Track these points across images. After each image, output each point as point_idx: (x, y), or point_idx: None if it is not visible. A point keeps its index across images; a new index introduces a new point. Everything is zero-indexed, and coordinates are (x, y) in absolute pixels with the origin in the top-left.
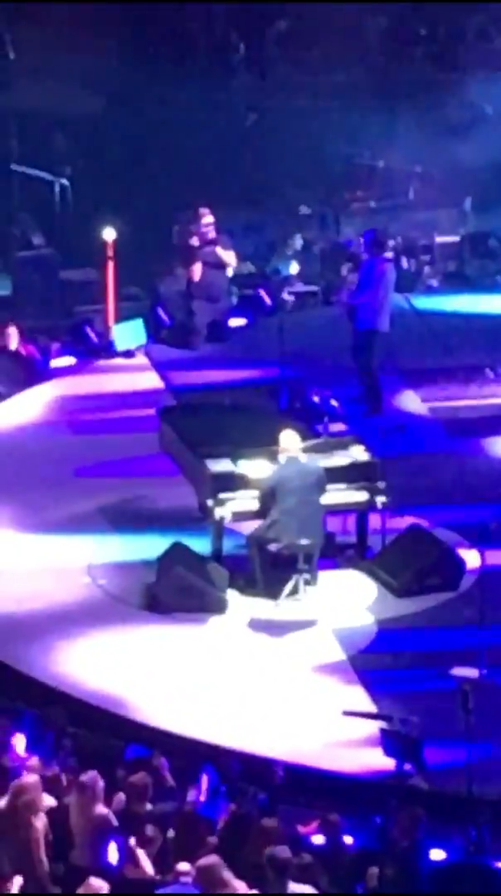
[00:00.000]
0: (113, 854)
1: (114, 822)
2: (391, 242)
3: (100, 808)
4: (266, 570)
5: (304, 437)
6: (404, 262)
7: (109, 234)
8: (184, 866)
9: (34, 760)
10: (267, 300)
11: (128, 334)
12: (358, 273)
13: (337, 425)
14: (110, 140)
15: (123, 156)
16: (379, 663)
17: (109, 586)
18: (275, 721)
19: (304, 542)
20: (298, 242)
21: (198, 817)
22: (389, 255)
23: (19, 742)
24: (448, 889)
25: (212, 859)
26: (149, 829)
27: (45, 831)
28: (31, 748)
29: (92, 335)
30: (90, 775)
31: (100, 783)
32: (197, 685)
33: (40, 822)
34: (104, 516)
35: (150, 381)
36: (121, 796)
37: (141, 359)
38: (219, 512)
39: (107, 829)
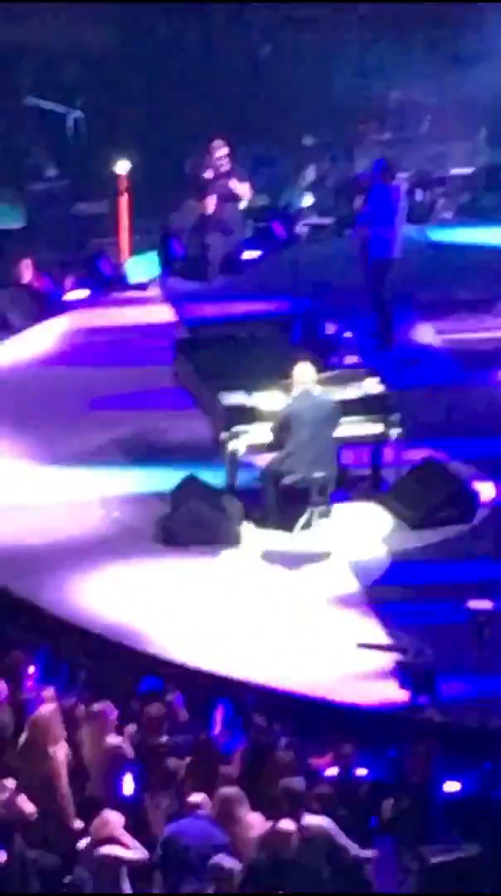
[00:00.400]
0: (128, 785)
1: (129, 753)
2: (404, 175)
3: (113, 739)
4: (280, 502)
5: (318, 370)
6: (418, 195)
7: (123, 166)
8: (197, 797)
9: (49, 691)
10: (281, 233)
11: (142, 267)
12: (367, 202)
13: (351, 358)
14: (123, 72)
15: (136, 88)
16: (393, 595)
17: (123, 519)
18: (290, 654)
19: (318, 474)
20: (311, 175)
21: (213, 748)
22: (399, 183)
23: (33, 674)
24: (462, 822)
25: (232, 791)
26: (171, 762)
27: (66, 762)
28: (45, 680)
29: (105, 268)
30: (103, 705)
31: (114, 713)
32: (211, 618)
33: (61, 751)
34: (118, 449)
35: (164, 313)
36: (131, 727)
37: (154, 291)
38: (233, 445)
39: (121, 760)
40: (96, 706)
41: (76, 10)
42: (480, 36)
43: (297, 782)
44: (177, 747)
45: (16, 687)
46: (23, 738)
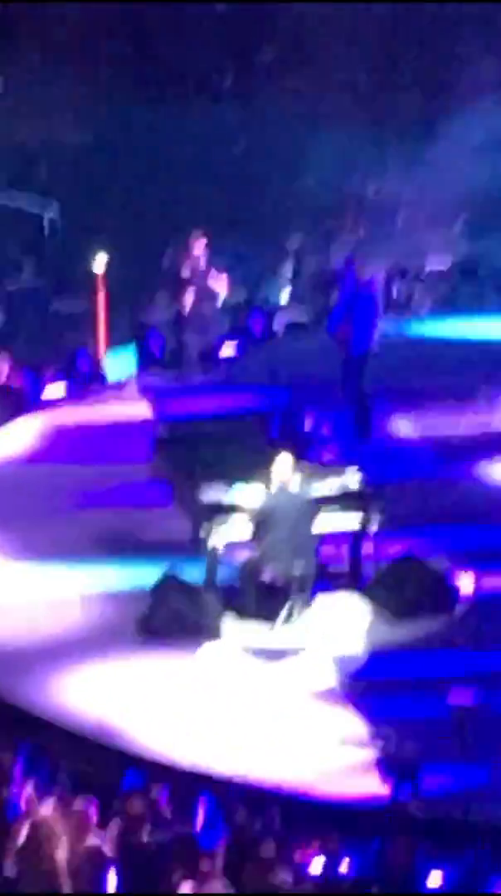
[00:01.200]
0: (110, 885)
1: (110, 852)
2: (380, 268)
3: (94, 838)
4: (259, 598)
5: (297, 465)
6: (394, 289)
7: (100, 264)
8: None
9: (29, 790)
10: (258, 329)
11: (120, 364)
12: (341, 297)
13: (329, 452)
14: (100, 170)
15: (113, 186)
16: (374, 689)
17: (103, 616)
18: (273, 748)
19: (297, 570)
20: (288, 271)
21: (195, 844)
22: (374, 279)
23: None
24: None
25: (217, 885)
26: (205, 864)
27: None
28: (28, 780)
29: (83, 366)
30: (83, 804)
31: (94, 811)
32: (192, 714)
33: (62, 852)
34: (97, 546)
35: (142, 410)
36: (115, 825)
37: (132, 388)
38: (212, 541)
39: (102, 860)
40: (77, 804)
41: (50, 108)
42: (454, 132)
43: (283, 879)
44: (160, 844)
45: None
46: (21, 840)
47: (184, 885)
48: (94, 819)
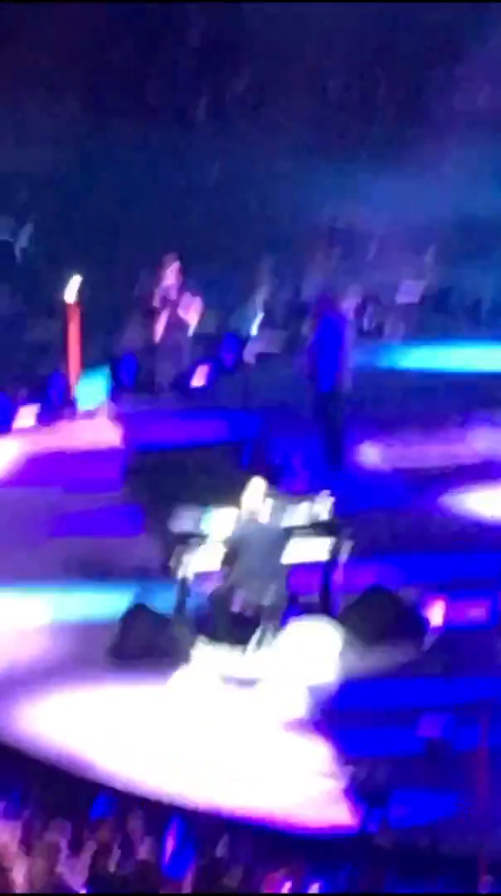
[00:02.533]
0: None
1: (77, 883)
2: (352, 300)
3: (64, 868)
4: (230, 626)
5: (267, 495)
6: (365, 319)
7: (71, 293)
8: None
9: None
10: (230, 357)
11: (92, 392)
12: (314, 334)
13: (300, 482)
14: (72, 197)
15: (86, 214)
16: (344, 718)
17: (73, 644)
18: (241, 777)
19: (268, 598)
20: (260, 300)
21: (159, 873)
22: (346, 313)
23: None
24: None
25: None
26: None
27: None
28: None
29: (55, 392)
30: (52, 836)
31: (64, 843)
32: (161, 742)
33: (20, 877)
34: (67, 573)
35: (113, 438)
36: (84, 854)
37: (103, 416)
38: (182, 569)
39: (72, 889)
40: (46, 837)
41: (27, 137)
42: (426, 161)
43: None
44: (129, 873)
45: None
46: None
47: None
48: (63, 848)
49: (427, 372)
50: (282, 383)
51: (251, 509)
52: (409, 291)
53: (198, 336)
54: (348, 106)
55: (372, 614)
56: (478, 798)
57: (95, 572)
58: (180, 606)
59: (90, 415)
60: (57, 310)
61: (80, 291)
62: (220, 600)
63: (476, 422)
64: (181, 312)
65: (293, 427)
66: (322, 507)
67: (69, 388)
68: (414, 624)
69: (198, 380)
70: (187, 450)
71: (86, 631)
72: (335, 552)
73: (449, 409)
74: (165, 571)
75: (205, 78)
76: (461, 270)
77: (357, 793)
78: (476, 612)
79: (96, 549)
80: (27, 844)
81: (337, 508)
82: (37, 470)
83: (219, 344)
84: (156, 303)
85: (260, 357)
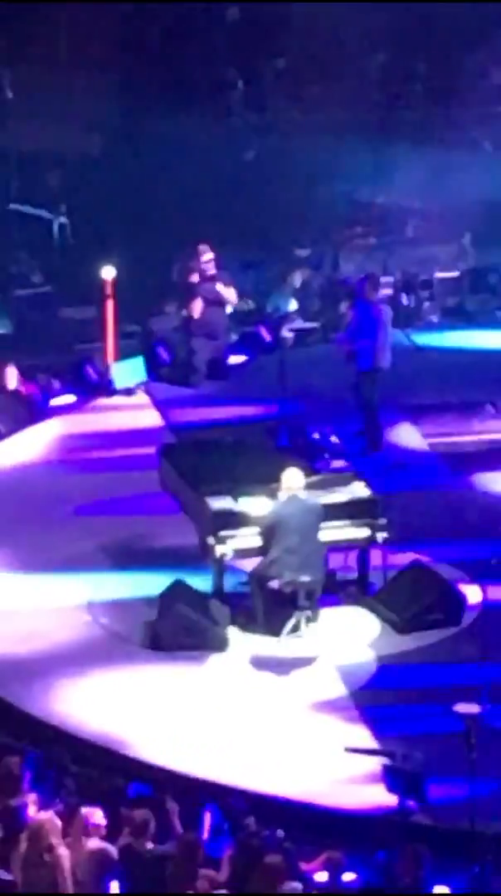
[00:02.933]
0: (114, 891)
1: (114, 858)
2: (390, 278)
3: (100, 844)
4: (267, 607)
5: (305, 474)
6: (403, 298)
7: (108, 272)
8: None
9: (32, 797)
10: (267, 337)
11: (128, 372)
12: (353, 314)
13: (338, 462)
14: (108, 178)
15: (122, 194)
16: (381, 699)
17: (110, 625)
18: (278, 758)
19: (305, 578)
20: (298, 280)
21: (201, 852)
22: (384, 293)
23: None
24: None
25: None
26: (211, 874)
27: (69, 867)
28: (33, 787)
29: (91, 373)
30: (89, 810)
31: (100, 818)
32: (199, 723)
33: (63, 858)
34: (105, 554)
35: (150, 418)
36: (122, 834)
37: (141, 397)
38: (219, 549)
39: (109, 866)
40: (83, 810)
41: (60, 115)
42: (464, 140)
43: (289, 889)
44: (166, 853)
45: (9, 794)
46: (22, 847)
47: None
48: (103, 825)
49: (466, 352)
50: (320, 362)
51: (289, 489)
52: (448, 272)
53: (235, 314)
54: (386, 85)
55: (410, 594)
56: None
57: (134, 553)
58: (217, 587)
59: (127, 394)
60: (94, 289)
61: (117, 271)
62: (258, 580)
63: None
64: (219, 291)
65: (331, 406)
66: (359, 486)
67: (106, 368)
68: (453, 604)
69: (236, 358)
70: (225, 429)
71: (125, 610)
72: (372, 532)
73: (488, 389)
74: (203, 552)
75: (242, 58)
76: (499, 249)
77: (395, 773)
78: None
79: (135, 530)
80: (67, 823)
81: (375, 488)
82: (75, 451)
83: (257, 322)
84: (193, 281)
85: (298, 335)
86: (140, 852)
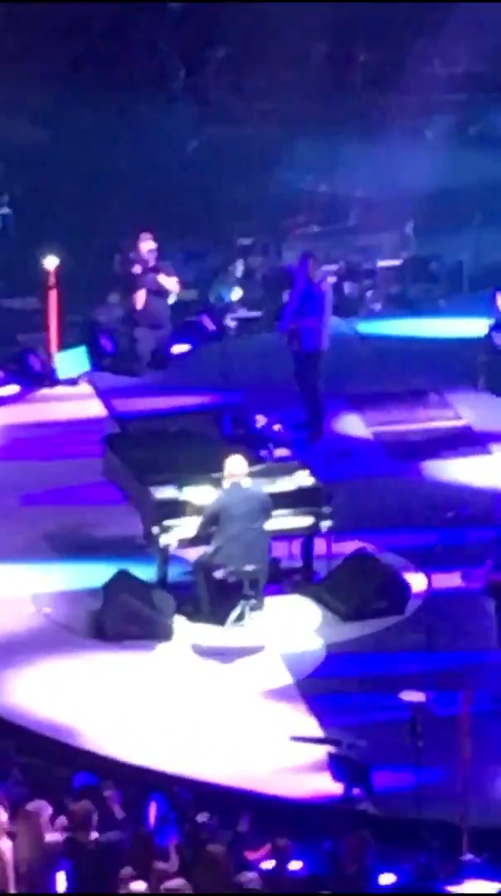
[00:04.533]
0: (60, 883)
1: (60, 851)
2: (333, 267)
3: (48, 836)
4: (212, 596)
5: (248, 463)
6: (346, 287)
7: (51, 262)
8: (138, 886)
9: None
10: (210, 326)
11: (71, 362)
12: (292, 293)
13: (281, 451)
14: (51, 168)
15: (64, 184)
16: (326, 688)
17: (55, 615)
18: (224, 748)
19: (249, 567)
20: (240, 269)
21: (150, 843)
22: (327, 277)
23: None
24: None
25: (177, 883)
26: (158, 863)
27: (11, 858)
28: None
29: (35, 363)
30: (37, 804)
31: (48, 811)
32: (144, 713)
33: (6, 848)
34: (48, 544)
35: (94, 408)
36: (62, 823)
37: (84, 387)
38: (164, 539)
39: (55, 858)
40: (29, 805)
41: (2, 106)
42: (406, 129)
43: (235, 877)
44: (110, 844)
45: None
46: None
47: (136, 884)
48: (48, 818)
49: (408, 340)
50: (263, 351)
51: (233, 478)
52: (390, 260)
53: (177, 304)
54: (328, 74)
55: (355, 582)
56: (460, 765)
57: (78, 543)
58: (162, 576)
59: (70, 385)
60: (36, 279)
61: (60, 261)
62: (203, 569)
63: (457, 390)
64: (161, 281)
65: (274, 395)
66: (303, 475)
67: (49, 358)
68: (397, 592)
69: (179, 348)
70: (168, 419)
71: (69, 601)
72: (316, 521)
73: (430, 378)
74: (148, 540)
75: (184, 46)
76: (441, 238)
77: (340, 761)
78: (458, 579)
79: (78, 520)
80: (12, 816)
81: (319, 476)
82: (17, 441)
83: (199, 312)
84: (136, 271)
85: (241, 324)
86: (84, 843)
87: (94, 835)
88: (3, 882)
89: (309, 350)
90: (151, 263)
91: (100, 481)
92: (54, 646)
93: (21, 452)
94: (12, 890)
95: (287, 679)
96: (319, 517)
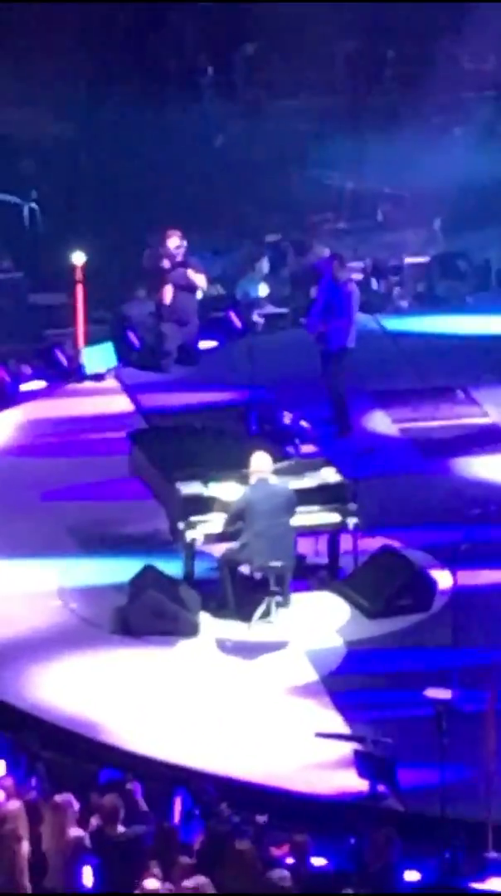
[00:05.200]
0: (87, 877)
1: (88, 845)
2: (360, 264)
3: (75, 831)
4: (237, 592)
5: (275, 459)
6: (374, 284)
7: (78, 257)
8: (152, 884)
9: (8, 781)
10: (237, 322)
11: (98, 358)
12: (319, 294)
13: (308, 447)
14: (79, 164)
15: (92, 180)
16: (351, 685)
17: (81, 610)
18: (249, 743)
19: (275, 563)
20: (266, 265)
21: (174, 837)
22: (354, 275)
23: None
24: None
25: (200, 879)
26: (182, 858)
27: (27, 858)
28: (9, 773)
29: (62, 359)
30: (64, 797)
31: (75, 805)
32: (170, 708)
33: (24, 848)
34: (75, 540)
35: (120, 404)
36: (93, 818)
37: (111, 382)
38: (190, 534)
39: (82, 852)
40: (58, 798)
41: (31, 101)
42: (434, 126)
43: (260, 873)
44: (136, 838)
45: None
46: None
47: (150, 882)
48: (75, 812)
49: (436, 337)
50: (290, 347)
51: (259, 474)
52: (417, 257)
53: (204, 300)
54: (356, 71)
55: (380, 579)
56: (486, 762)
57: (104, 538)
58: (188, 572)
59: (97, 380)
60: (64, 275)
61: (87, 257)
62: (228, 565)
63: (484, 387)
64: (189, 276)
65: (301, 392)
66: (329, 472)
67: (76, 353)
68: (423, 588)
69: (206, 344)
70: (195, 414)
71: (95, 596)
72: (342, 517)
73: (458, 375)
74: (174, 536)
75: (213, 43)
76: (469, 235)
77: (365, 758)
78: (485, 576)
79: (105, 515)
80: (37, 810)
81: (345, 473)
82: (45, 436)
83: (227, 308)
84: (163, 266)
85: (268, 320)
86: (112, 838)
87: (121, 828)
88: (18, 879)
89: (335, 349)
90: (179, 258)
91: (127, 477)
92: (80, 641)
93: (48, 448)
94: (27, 888)
95: (312, 675)
96: (345, 514)
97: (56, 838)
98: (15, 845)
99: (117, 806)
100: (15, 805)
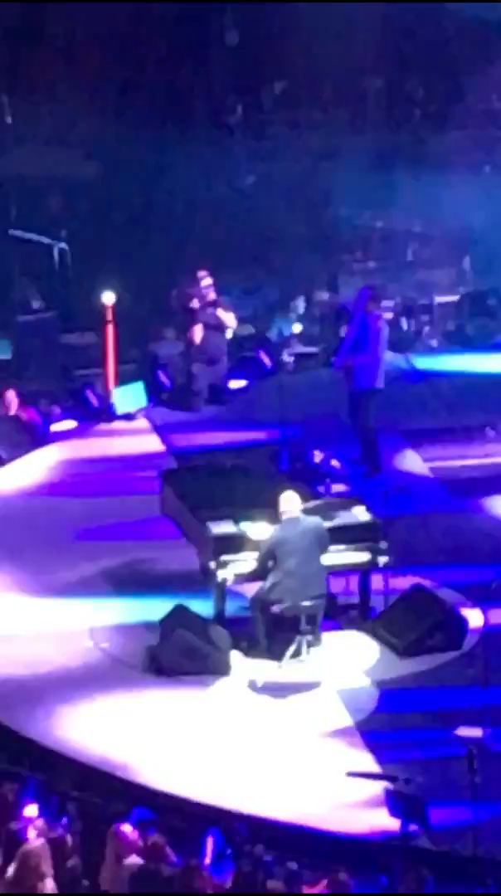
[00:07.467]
0: None
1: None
2: (390, 303)
3: (136, 858)
4: (269, 631)
5: (305, 498)
6: (403, 323)
7: (109, 297)
8: None
9: (40, 822)
10: (267, 361)
11: (129, 397)
12: (350, 327)
13: (339, 486)
14: (108, 204)
15: (121, 219)
16: (383, 724)
17: (112, 649)
18: (281, 783)
19: (307, 602)
20: (302, 304)
21: (205, 878)
22: (384, 313)
23: (31, 809)
24: None
25: None
26: None
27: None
28: (40, 813)
29: (92, 399)
30: (124, 826)
31: (134, 834)
32: (201, 748)
33: (48, 885)
34: (106, 579)
35: (151, 444)
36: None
37: (141, 422)
38: (221, 574)
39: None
40: (118, 828)
41: (60, 141)
42: (463, 164)
43: None
44: (169, 878)
45: (5, 818)
46: (11, 871)
47: None
48: (135, 841)
49: (465, 376)
50: (320, 386)
51: (290, 513)
52: (447, 296)
53: (233, 339)
54: (385, 110)
55: (412, 618)
56: None
57: (135, 577)
58: (219, 611)
59: (128, 419)
60: (94, 314)
61: (118, 296)
62: (259, 605)
63: None
64: (219, 315)
65: (331, 430)
66: (360, 510)
67: (107, 393)
68: (454, 628)
69: (237, 383)
70: (225, 454)
71: (126, 635)
72: (373, 556)
73: (487, 413)
74: (204, 575)
75: (241, 83)
76: (498, 273)
77: (397, 797)
78: None
79: (136, 555)
80: (64, 850)
81: (376, 512)
82: (76, 476)
83: (257, 347)
84: (193, 306)
85: (298, 358)
86: (143, 878)
87: (154, 869)
88: (38, 879)
89: (362, 388)
90: (209, 298)
91: (158, 516)
92: (111, 680)
93: (79, 488)
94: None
95: (343, 715)
96: (376, 552)
97: (117, 869)
98: (38, 882)
99: (151, 846)
100: (38, 842)
